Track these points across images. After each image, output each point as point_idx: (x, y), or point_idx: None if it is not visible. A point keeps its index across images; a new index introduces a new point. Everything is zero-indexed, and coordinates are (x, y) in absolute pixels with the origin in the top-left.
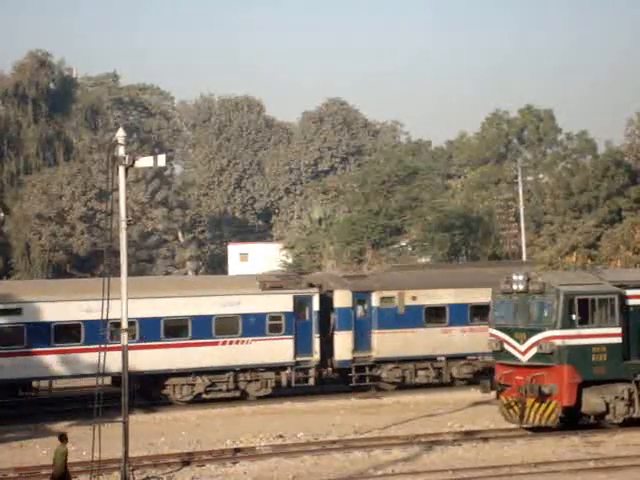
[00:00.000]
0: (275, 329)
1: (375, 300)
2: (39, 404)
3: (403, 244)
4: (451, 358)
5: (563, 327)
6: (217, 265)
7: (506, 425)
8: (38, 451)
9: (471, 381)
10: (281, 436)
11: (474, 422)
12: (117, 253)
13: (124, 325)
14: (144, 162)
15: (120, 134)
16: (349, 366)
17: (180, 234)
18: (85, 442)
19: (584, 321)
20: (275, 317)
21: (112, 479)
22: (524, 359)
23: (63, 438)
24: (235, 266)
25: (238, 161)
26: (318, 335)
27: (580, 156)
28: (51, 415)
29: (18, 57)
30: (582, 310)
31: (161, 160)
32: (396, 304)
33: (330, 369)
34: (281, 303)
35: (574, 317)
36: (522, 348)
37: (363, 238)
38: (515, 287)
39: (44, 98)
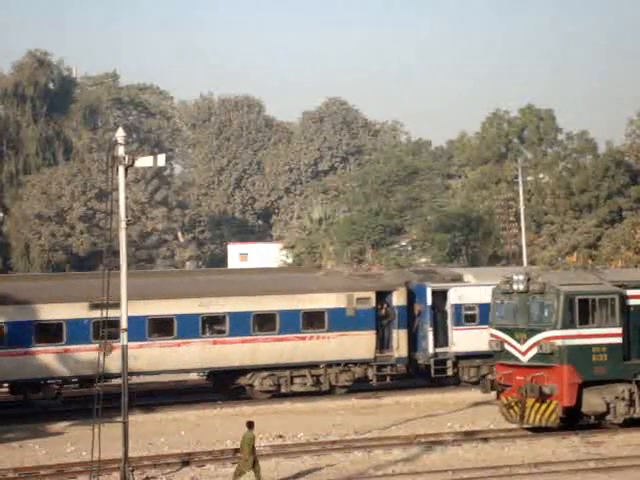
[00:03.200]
0: None
1: None
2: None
3: (403, 244)
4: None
5: (563, 327)
6: (217, 265)
7: (506, 425)
8: (38, 451)
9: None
10: (281, 436)
11: (474, 422)
12: (117, 253)
13: (124, 325)
14: (144, 162)
15: (120, 134)
16: None
17: (180, 234)
18: (85, 442)
19: (584, 321)
20: None
21: (112, 479)
22: (524, 359)
23: (251, 425)
24: (235, 266)
25: (238, 161)
26: None
27: (580, 156)
28: (51, 415)
29: (17, 57)
30: (582, 310)
31: (161, 160)
32: None
33: None
34: None
35: (574, 317)
36: (522, 348)
37: (363, 238)
38: (515, 287)
39: (43, 98)
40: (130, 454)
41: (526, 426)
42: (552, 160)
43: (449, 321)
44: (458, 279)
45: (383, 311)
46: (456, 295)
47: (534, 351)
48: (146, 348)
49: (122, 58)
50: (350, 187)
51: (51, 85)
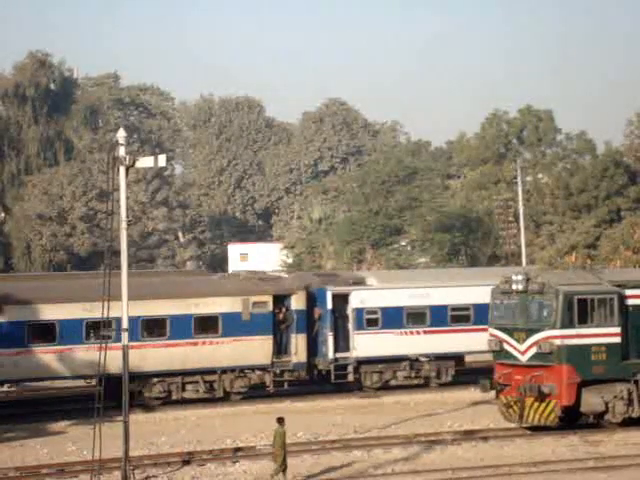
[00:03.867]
0: None
1: None
2: (39, 404)
3: (403, 244)
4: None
5: (562, 327)
6: (217, 265)
7: (505, 425)
8: (38, 451)
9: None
10: None
11: (474, 422)
12: (117, 253)
13: (124, 325)
14: (144, 162)
15: (121, 134)
16: None
17: (180, 234)
18: (86, 442)
19: (583, 321)
20: None
21: (113, 478)
22: (523, 359)
23: (281, 420)
24: (235, 266)
25: (238, 161)
26: None
27: (579, 156)
28: (51, 415)
29: (18, 57)
30: (581, 310)
31: (161, 160)
32: None
33: None
34: None
35: (573, 317)
36: (521, 348)
37: (363, 238)
38: (514, 287)
39: (44, 98)
40: (131, 453)
41: (525, 425)
42: (551, 160)
43: (350, 325)
44: (360, 282)
45: (281, 315)
46: (358, 299)
47: (533, 351)
48: (25, 355)
49: (123, 59)
50: (350, 187)
51: (52, 86)
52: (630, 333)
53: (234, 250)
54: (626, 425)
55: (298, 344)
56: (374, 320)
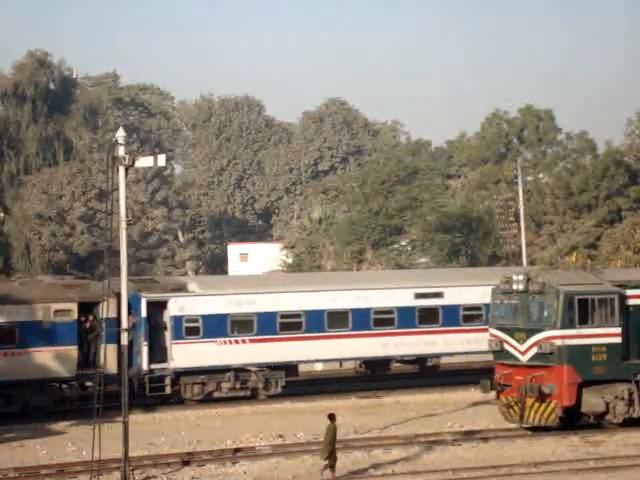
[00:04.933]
0: None
1: None
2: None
3: (403, 244)
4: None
5: (563, 327)
6: (217, 265)
7: (506, 425)
8: (38, 451)
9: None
10: (281, 436)
11: (474, 422)
12: (117, 253)
13: (124, 325)
14: (144, 162)
15: (120, 134)
16: None
17: (180, 234)
18: (85, 442)
19: (584, 321)
20: None
21: (112, 479)
22: (524, 359)
23: (332, 417)
24: (235, 266)
25: (238, 161)
26: None
27: (580, 156)
28: (51, 415)
29: (18, 57)
30: (582, 310)
31: (161, 160)
32: None
33: None
34: None
35: (574, 317)
36: (522, 348)
37: (363, 238)
38: (515, 287)
39: (44, 98)
40: (130, 454)
41: (526, 426)
42: (551, 160)
43: (168, 334)
44: (181, 289)
45: (88, 324)
46: (177, 306)
47: (534, 351)
48: None
49: (122, 58)
50: (350, 187)
51: (51, 85)
52: (631, 333)
53: (234, 250)
54: (627, 425)
55: (108, 355)
56: (195, 329)
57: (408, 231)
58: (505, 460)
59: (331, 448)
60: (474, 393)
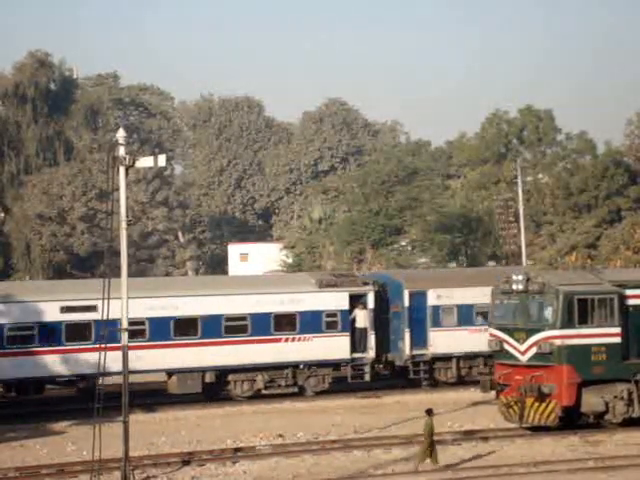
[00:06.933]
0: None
1: None
2: (39, 404)
3: (403, 244)
4: None
5: (562, 327)
6: (217, 265)
7: (506, 425)
8: (38, 451)
9: None
10: (281, 436)
11: (474, 422)
12: (117, 253)
13: (124, 325)
14: (144, 162)
15: (120, 134)
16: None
17: (180, 234)
18: (85, 442)
19: (583, 321)
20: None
21: (113, 478)
22: (524, 359)
23: (429, 412)
24: (235, 266)
25: (238, 161)
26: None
27: (580, 156)
28: (51, 415)
29: (18, 57)
30: (581, 310)
31: (161, 160)
32: None
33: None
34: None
35: (574, 317)
36: (522, 348)
37: (363, 238)
38: (515, 287)
39: (44, 98)
40: (131, 453)
41: (525, 425)
42: (551, 160)
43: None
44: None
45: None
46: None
47: (533, 351)
48: None
49: (123, 58)
50: (350, 187)
51: (52, 85)
52: (630, 333)
53: (234, 250)
54: (626, 425)
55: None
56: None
57: (408, 231)
58: (505, 460)
59: (429, 442)
60: (474, 393)
